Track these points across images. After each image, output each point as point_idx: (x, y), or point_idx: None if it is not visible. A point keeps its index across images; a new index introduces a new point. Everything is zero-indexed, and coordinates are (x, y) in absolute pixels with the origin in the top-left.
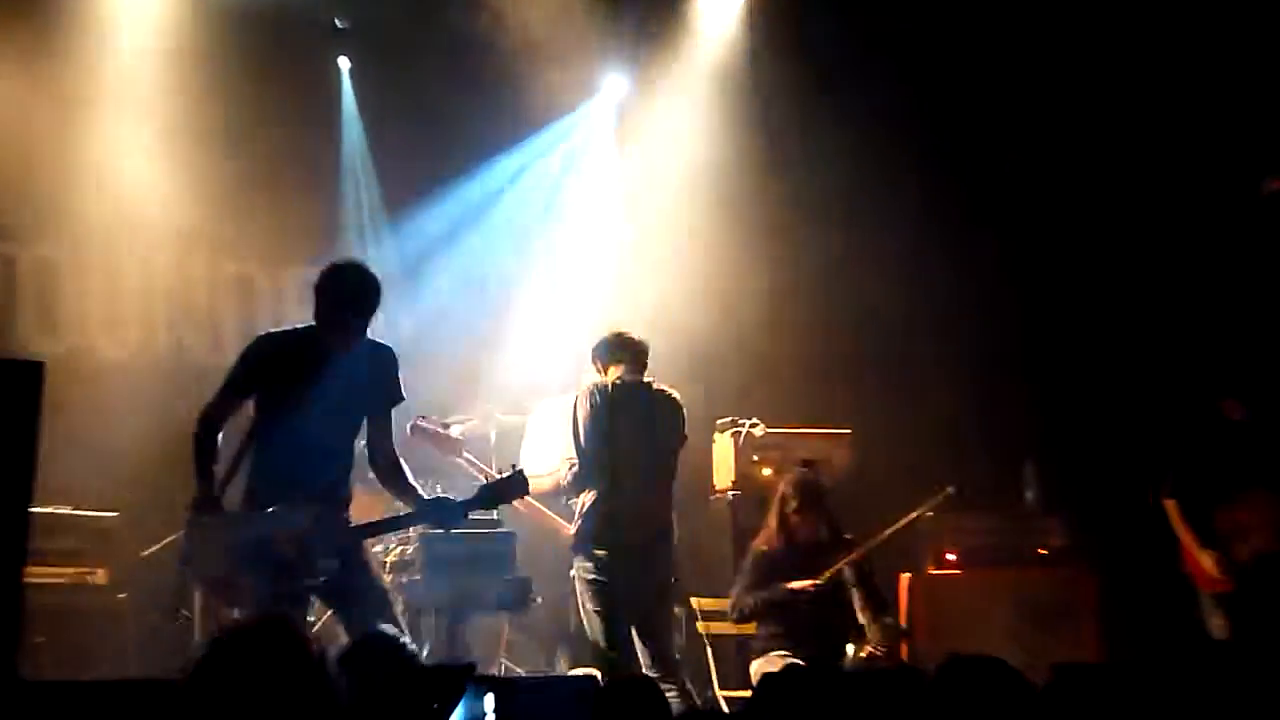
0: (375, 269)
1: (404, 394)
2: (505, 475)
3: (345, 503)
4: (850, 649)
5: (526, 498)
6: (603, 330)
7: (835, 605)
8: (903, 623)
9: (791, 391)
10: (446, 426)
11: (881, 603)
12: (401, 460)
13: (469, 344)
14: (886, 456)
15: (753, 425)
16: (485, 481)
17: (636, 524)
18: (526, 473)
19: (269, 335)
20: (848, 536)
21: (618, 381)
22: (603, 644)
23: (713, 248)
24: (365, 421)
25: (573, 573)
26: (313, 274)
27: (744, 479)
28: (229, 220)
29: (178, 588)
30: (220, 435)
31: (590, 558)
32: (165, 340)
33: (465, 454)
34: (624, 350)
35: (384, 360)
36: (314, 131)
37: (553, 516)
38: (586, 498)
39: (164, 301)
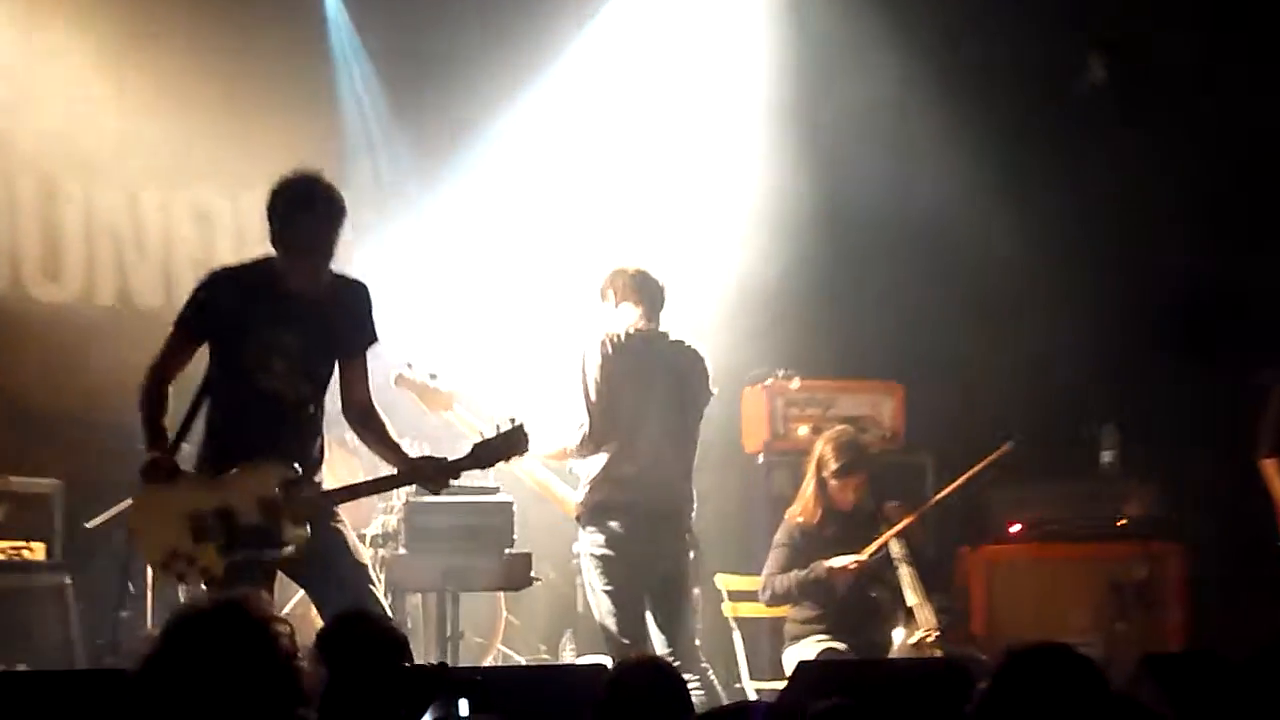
0: (346, 188)
1: (378, 334)
2: (504, 430)
3: (316, 464)
4: (898, 635)
5: (528, 462)
6: (618, 263)
7: (881, 585)
8: (959, 605)
9: (833, 338)
10: (434, 377)
11: (935, 582)
12: (380, 411)
13: (468, 281)
14: (941, 414)
15: (787, 377)
16: (480, 439)
17: (653, 492)
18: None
19: (223, 272)
20: (895, 505)
21: (632, 331)
22: (613, 628)
23: (744, 169)
24: (336, 369)
25: (579, 548)
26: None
27: (777, 439)
28: (188, 144)
29: (126, 564)
30: (171, 389)
31: (600, 530)
32: (111, 283)
33: (458, 409)
34: (642, 291)
35: (355, 297)
36: (291, 35)
37: (556, 486)
38: (595, 463)
39: (110, 239)
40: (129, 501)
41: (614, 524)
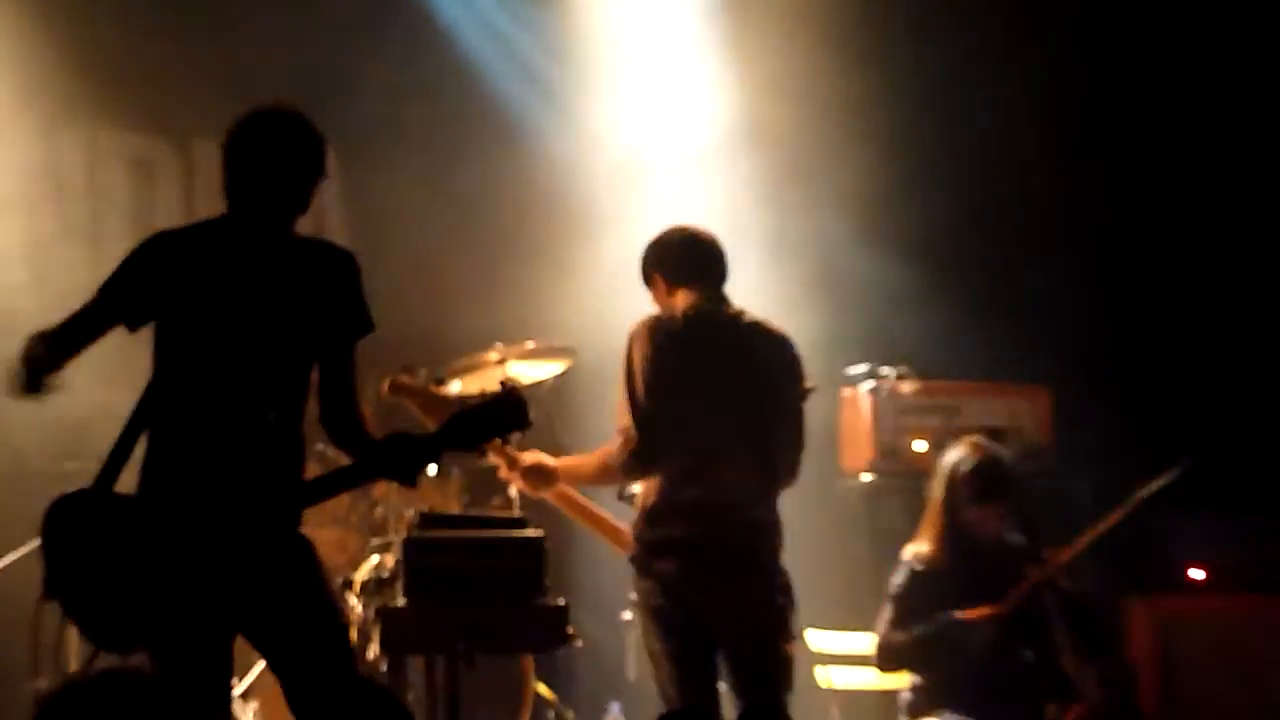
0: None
1: (372, 321)
2: (493, 396)
3: (294, 491)
4: (1052, 711)
5: (565, 490)
6: (659, 230)
7: (1029, 645)
8: (1126, 672)
9: (959, 330)
10: (440, 382)
11: (1099, 642)
12: (369, 418)
13: (476, 250)
14: (1101, 426)
15: (900, 376)
16: (479, 403)
17: (726, 521)
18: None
19: (166, 234)
20: (1044, 545)
21: (691, 312)
22: (676, 702)
23: (841, 116)
24: (314, 364)
25: (633, 596)
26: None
27: (887, 455)
28: (119, 79)
29: (37, 629)
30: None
31: (655, 574)
32: (29, 249)
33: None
34: (696, 262)
35: (340, 271)
36: None
37: (603, 514)
38: (649, 485)
39: (23, 193)
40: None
41: (674, 566)
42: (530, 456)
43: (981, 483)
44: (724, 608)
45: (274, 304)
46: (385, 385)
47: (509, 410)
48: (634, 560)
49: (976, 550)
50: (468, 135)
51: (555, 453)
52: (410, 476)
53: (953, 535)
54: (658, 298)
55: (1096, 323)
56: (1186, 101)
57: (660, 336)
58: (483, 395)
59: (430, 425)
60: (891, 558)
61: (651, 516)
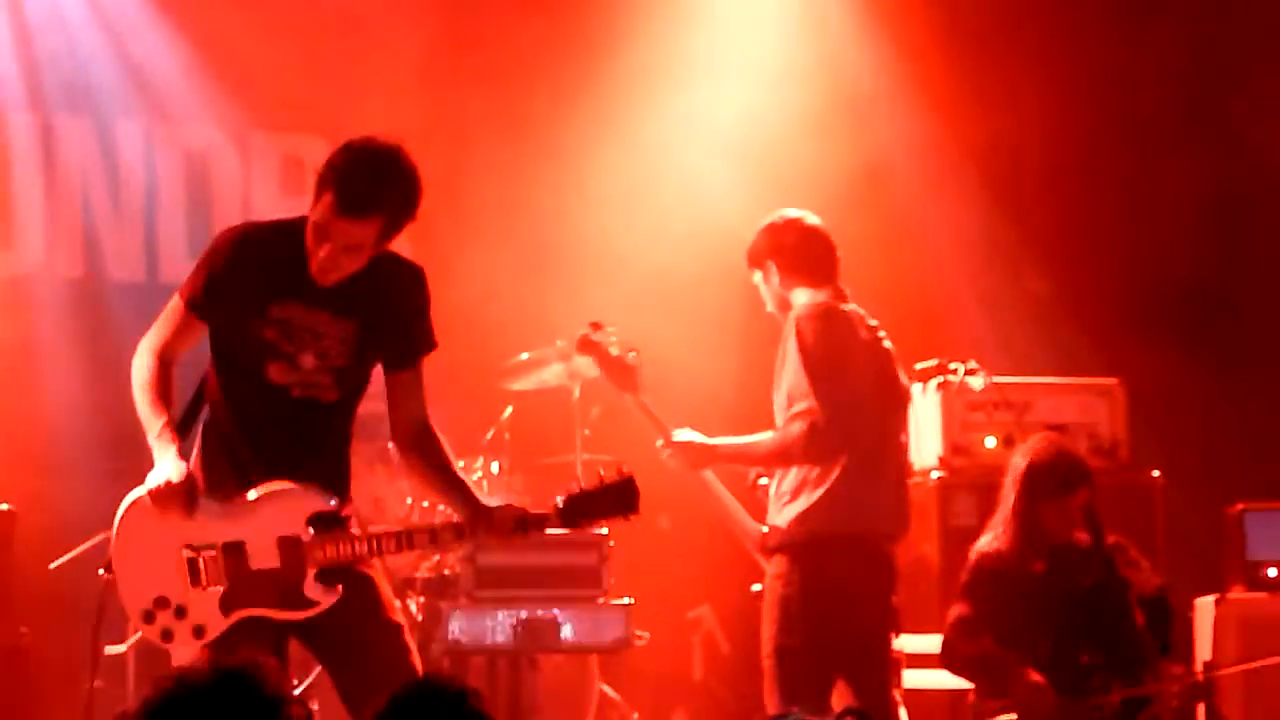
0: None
1: (435, 340)
2: (611, 481)
3: (347, 493)
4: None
5: (710, 477)
6: (773, 218)
7: (1095, 646)
8: (1200, 673)
9: (1030, 325)
10: (632, 350)
11: (1169, 641)
12: (438, 432)
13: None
14: (1175, 421)
15: (969, 372)
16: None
17: (889, 520)
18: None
19: (250, 230)
20: (1117, 543)
21: (843, 308)
22: (787, 701)
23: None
24: (383, 377)
25: (758, 587)
26: (300, 144)
27: (956, 453)
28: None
29: (99, 616)
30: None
31: (808, 569)
32: (78, 248)
33: (644, 399)
34: (821, 255)
35: (409, 287)
36: None
37: (736, 505)
38: (808, 475)
39: (73, 192)
40: (107, 533)
41: (833, 563)
42: (684, 433)
43: (1062, 476)
44: (864, 609)
45: (347, 312)
46: (576, 342)
47: (624, 498)
48: (782, 547)
49: (1046, 548)
50: None
51: (626, 448)
52: (510, 544)
53: (1025, 532)
54: (769, 285)
55: (1173, 315)
56: None
57: (834, 320)
58: (600, 478)
59: (611, 384)
60: (962, 556)
61: (818, 505)
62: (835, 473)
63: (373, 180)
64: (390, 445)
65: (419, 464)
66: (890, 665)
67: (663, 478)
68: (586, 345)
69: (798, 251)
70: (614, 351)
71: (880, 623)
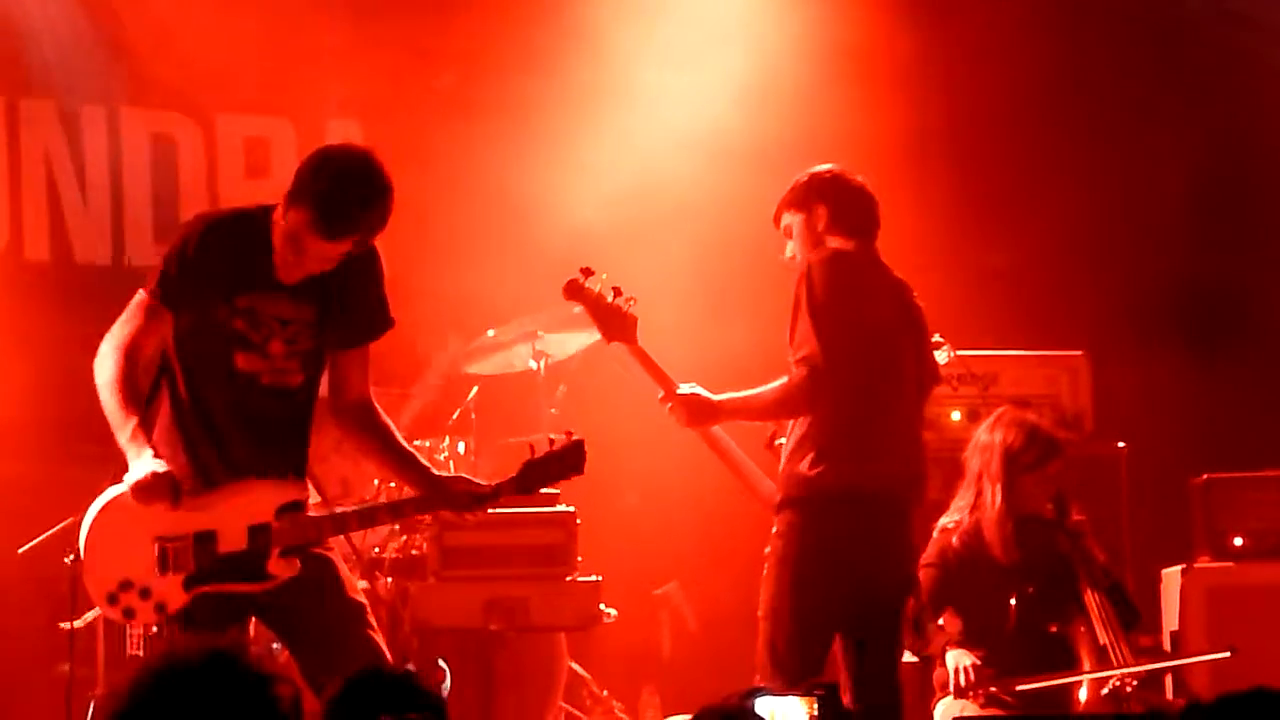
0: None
1: (391, 318)
2: (560, 446)
3: (304, 477)
4: (1085, 681)
5: (718, 434)
6: (827, 164)
7: (1057, 617)
8: (1166, 643)
9: (994, 298)
10: (619, 295)
11: (1132, 612)
12: (380, 410)
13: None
14: (1140, 393)
15: (934, 345)
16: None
17: (906, 478)
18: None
19: (214, 220)
20: (1078, 518)
21: (868, 255)
22: (787, 664)
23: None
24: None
25: (769, 549)
26: (265, 125)
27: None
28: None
29: (71, 601)
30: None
31: (821, 524)
32: (41, 235)
33: (641, 346)
34: (868, 211)
35: (366, 267)
36: None
37: (747, 462)
38: (821, 428)
39: (38, 176)
40: (73, 518)
41: (848, 520)
42: (689, 387)
43: (1039, 449)
44: (877, 571)
45: (313, 296)
46: (564, 287)
47: (572, 461)
48: (792, 502)
49: (1017, 520)
50: None
51: (592, 427)
52: (471, 517)
53: (1006, 504)
54: (807, 230)
55: (1138, 286)
56: None
57: (852, 270)
58: (549, 444)
59: (603, 334)
60: (929, 530)
61: (833, 457)
62: (841, 425)
63: (351, 204)
64: None
65: (368, 442)
66: (900, 630)
67: (632, 454)
68: (575, 291)
69: (854, 201)
70: (608, 298)
71: (888, 584)
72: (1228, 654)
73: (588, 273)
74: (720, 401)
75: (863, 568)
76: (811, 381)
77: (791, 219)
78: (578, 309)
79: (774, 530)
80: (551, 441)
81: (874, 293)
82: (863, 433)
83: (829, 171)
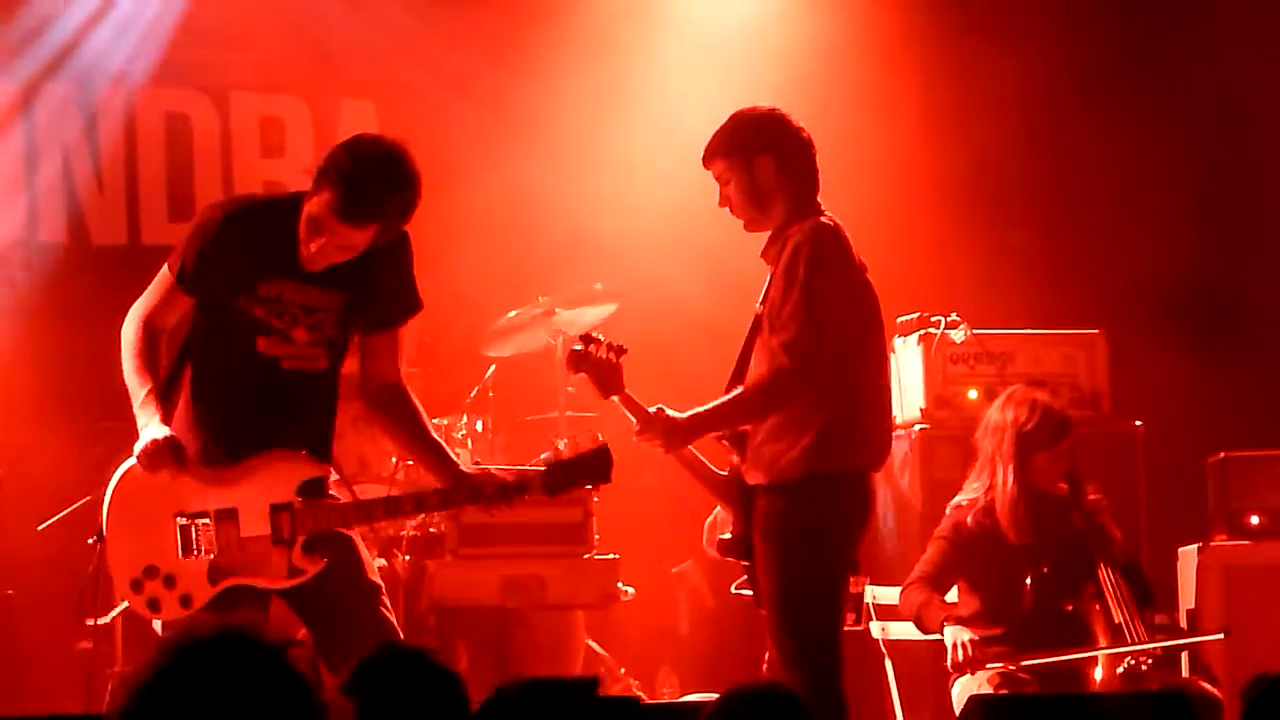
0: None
1: (420, 301)
2: (586, 450)
3: (328, 464)
4: (1100, 660)
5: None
6: (767, 107)
7: (1072, 596)
8: (1182, 621)
9: (1012, 276)
10: (622, 351)
11: (1147, 592)
12: (412, 394)
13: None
14: (1157, 372)
15: (951, 325)
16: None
17: (881, 453)
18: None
19: (240, 206)
20: (1094, 496)
21: (837, 223)
22: (826, 649)
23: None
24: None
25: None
26: (280, 104)
27: (938, 405)
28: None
29: (95, 578)
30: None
31: (827, 506)
32: (54, 214)
33: (627, 392)
34: (813, 167)
35: (395, 251)
36: None
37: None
38: (816, 411)
39: (54, 157)
40: (94, 495)
41: (844, 499)
42: (654, 410)
43: (1050, 426)
44: (859, 542)
45: (340, 282)
46: (567, 359)
47: (599, 467)
48: (794, 490)
49: (1033, 498)
50: None
51: (609, 404)
52: (494, 512)
53: (1019, 481)
54: (746, 180)
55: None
56: None
57: (841, 241)
58: (576, 448)
59: (598, 393)
60: (944, 509)
61: (828, 438)
62: (837, 407)
63: (378, 191)
64: None
65: (394, 427)
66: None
67: None
68: (579, 361)
69: (803, 153)
70: (606, 358)
71: (857, 558)
72: (1220, 635)
73: (588, 339)
74: (694, 417)
75: (852, 544)
76: (803, 369)
77: (724, 166)
78: (578, 347)
79: (766, 511)
80: (577, 445)
81: (857, 267)
82: (854, 414)
83: (771, 113)
